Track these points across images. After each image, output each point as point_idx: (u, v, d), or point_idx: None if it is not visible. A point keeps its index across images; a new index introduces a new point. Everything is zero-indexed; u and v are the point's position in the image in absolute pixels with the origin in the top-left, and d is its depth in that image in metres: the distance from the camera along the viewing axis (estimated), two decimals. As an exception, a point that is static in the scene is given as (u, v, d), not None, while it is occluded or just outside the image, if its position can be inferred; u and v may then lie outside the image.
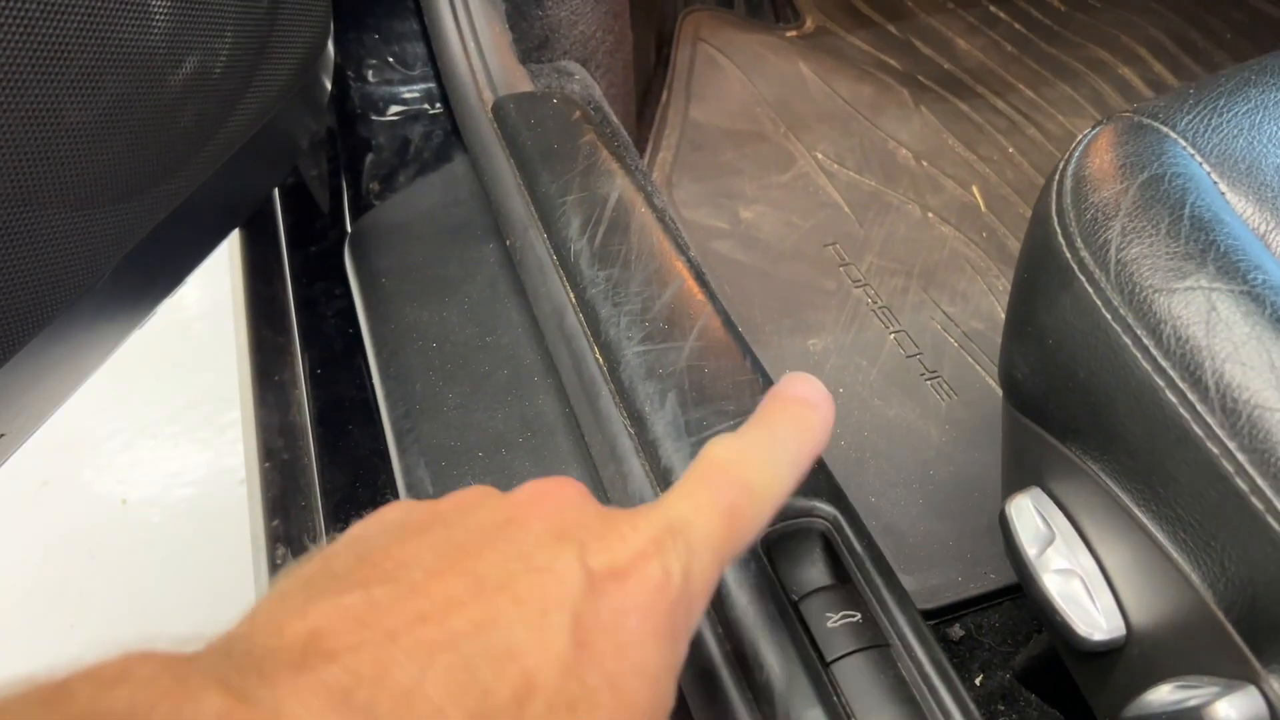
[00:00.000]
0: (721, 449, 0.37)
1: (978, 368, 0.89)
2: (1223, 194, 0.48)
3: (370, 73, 0.88)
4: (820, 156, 1.15)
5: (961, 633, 0.71)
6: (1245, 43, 1.29)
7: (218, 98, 0.54)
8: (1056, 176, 0.51)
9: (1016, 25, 1.36)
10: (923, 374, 0.89)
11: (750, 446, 0.37)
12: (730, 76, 1.25)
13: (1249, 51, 1.28)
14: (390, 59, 0.88)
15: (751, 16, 1.39)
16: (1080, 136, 0.53)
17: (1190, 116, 0.51)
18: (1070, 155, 0.52)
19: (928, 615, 0.71)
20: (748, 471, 0.36)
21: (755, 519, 0.36)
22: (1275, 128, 0.51)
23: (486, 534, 0.32)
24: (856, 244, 1.03)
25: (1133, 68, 1.26)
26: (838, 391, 0.87)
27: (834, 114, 1.20)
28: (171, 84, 0.48)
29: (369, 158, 0.86)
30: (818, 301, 0.97)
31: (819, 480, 0.53)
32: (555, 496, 0.34)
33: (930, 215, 1.06)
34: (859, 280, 0.99)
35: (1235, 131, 0.50)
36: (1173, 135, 0.50)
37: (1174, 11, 1.36)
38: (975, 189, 1.09)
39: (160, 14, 0.46)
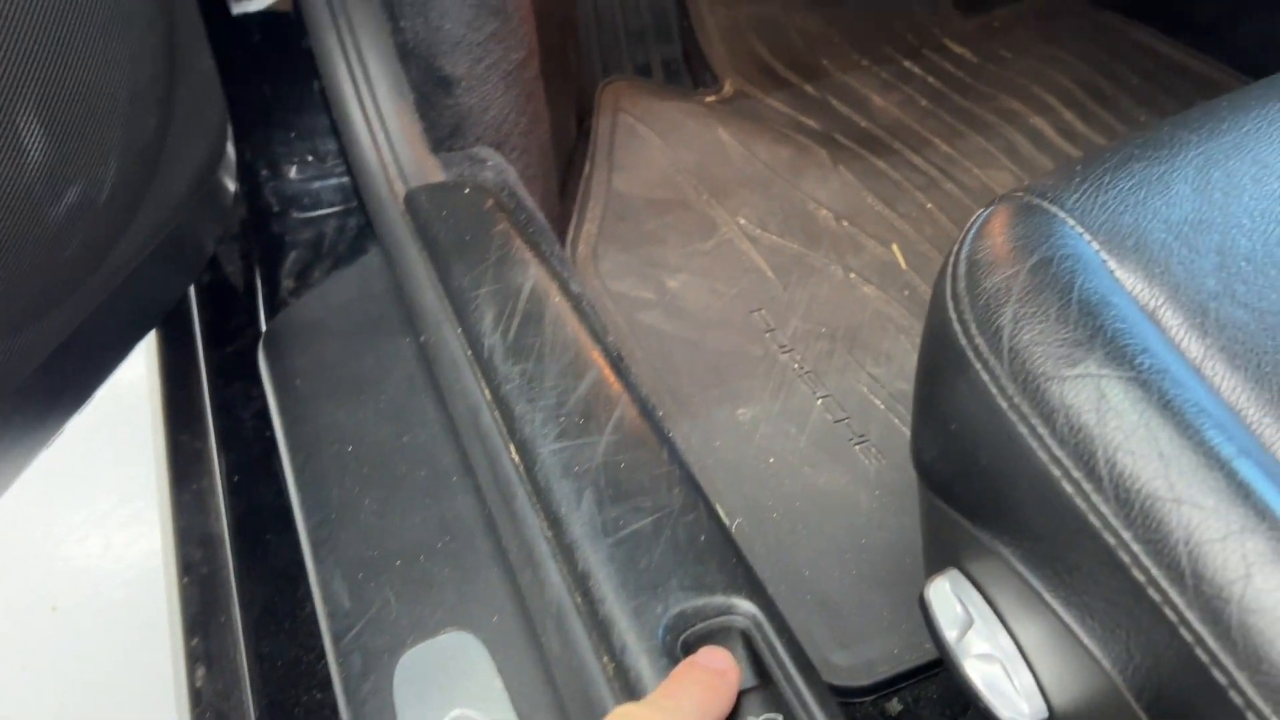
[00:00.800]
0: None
1: (905, 429, 0.90)
2: (1111, 271, 0.49)
3: (282, 168, 0.87)
4: (742, 221, 1.15)
5: (900, 707, 0.70)
6: (1152, 87, 1.33)
7: (106, 222, 0.53)
8: (950, 260, 0.52)
9: (930, 79, 1.39)
10: (851, 439, 0.89)
11: (658, 716, 0.40)
12: (651, 145, 1.26)
13: (1155, 96, 1.31)
14: (302, 153, 0.88)
15: (670, 83, 1.40)
16: (973, 218, 0.54)
17: (1077, 195, 0.52)
18: (963, 239, 0.52)
19: (865, 691, 0.71)
20: None
21: None
22: (1159, 202, 0.52)
23: None
24: (781, 308, 1.04)
25: (1044, 117, 1.29)
26: (768, 461, 0.87)
27: (754, 178, 1.22)
28: (52, 218, 0.47)
29: (283, 253, 0.85)
30: (745, 369, 0.97)
31: (738, 575, 0.53)
32: None
33: (852, 276, 1.07)
34: (785, 345, 0.99)
35: (1121, 208, 0.51)
36: (1061, 215, 0.51)
37: (1082, 60, 1.39)
38: (895, 247, 1.10)
39: (35, 150, 0.45)
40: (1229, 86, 1.31)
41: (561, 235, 1.15)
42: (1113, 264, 0.50)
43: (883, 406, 0.92)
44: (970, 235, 0.52)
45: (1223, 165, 0.53)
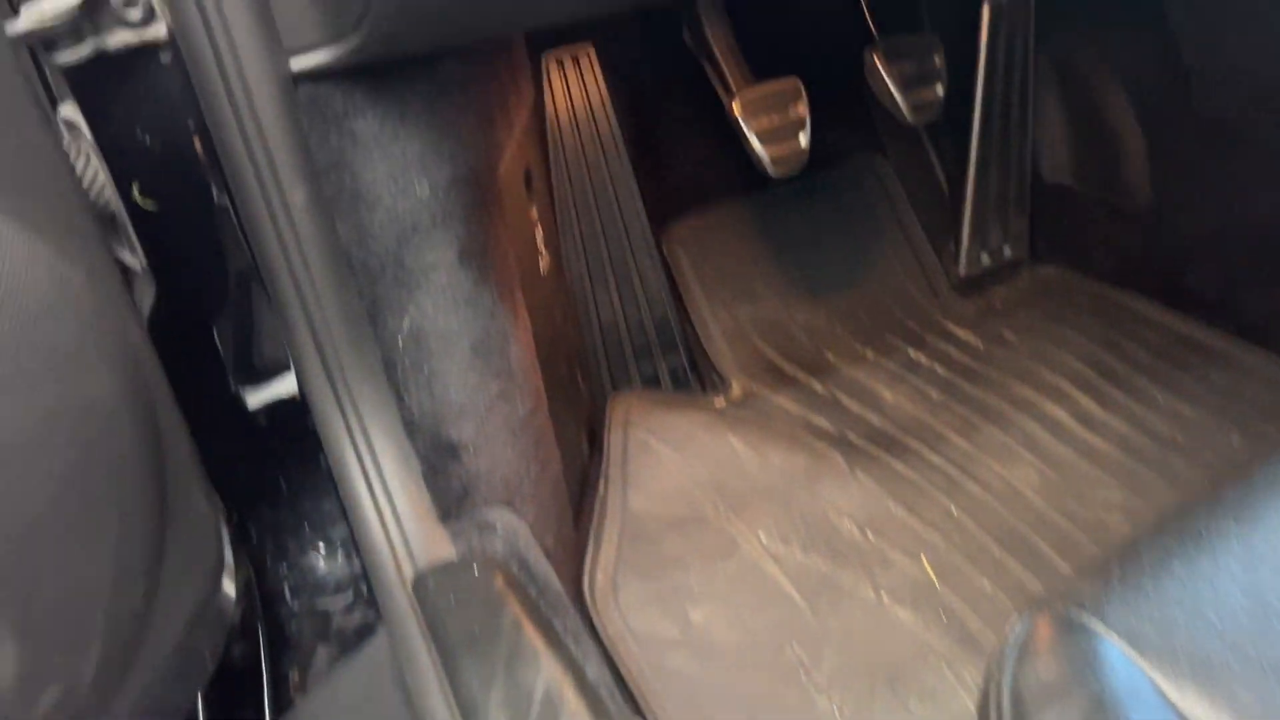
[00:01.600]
0: None
1: (960, 786, 0.83)
2: (1173, 704, 0.45)
3: (291, 554, 0.85)
4: (763, 537, 1.12)
5: None
6: (1163, 364, 1.32)
7: (92, 702, 0.50)
8: (993, 692, 0.48)
9: (938, 368, 1.39)
10: (903, 802, 0.82)
11: None
12: (664, 459, 1.25)
13: (1169, 373, 1.30)
14: (312, 539, 0.86)
15: (679, 390, 1.41)
16: (1010, 632, 0.50)
17: (1119, 605, 0.49)
18: (1003, 666, 0.48)
19: None
20: None
21: None
22: (1210, 612, 0.48)
23: None
24: (814, 640, 0.99)
25: (1060, 404, 1.27)
26: (815, 836, 0.80)
27: (771, 488, 1.19)
28: (26, 728, 0.44)
29: (290, 642, 0.82)
30: (783, 719, 0.91)
31: None
32: None
33: (885, 597, 1.02)
34: (821, 687, 0.93)
35: (1170, 620, 0.48)
36: (1104, 633, 0.48)
37: (1088, 338, 1.39)
38: (924, 559, 1.06)
39: (6, 664, 0.42)
40: (1239, 359, 1.30)
41: (579, 565, 1.11)
42: (1172, 693, 0.45)
43: (933, 758, 0.85)
44: (1010, 660, 0.48)
45: (1270, 560, 0.50)
